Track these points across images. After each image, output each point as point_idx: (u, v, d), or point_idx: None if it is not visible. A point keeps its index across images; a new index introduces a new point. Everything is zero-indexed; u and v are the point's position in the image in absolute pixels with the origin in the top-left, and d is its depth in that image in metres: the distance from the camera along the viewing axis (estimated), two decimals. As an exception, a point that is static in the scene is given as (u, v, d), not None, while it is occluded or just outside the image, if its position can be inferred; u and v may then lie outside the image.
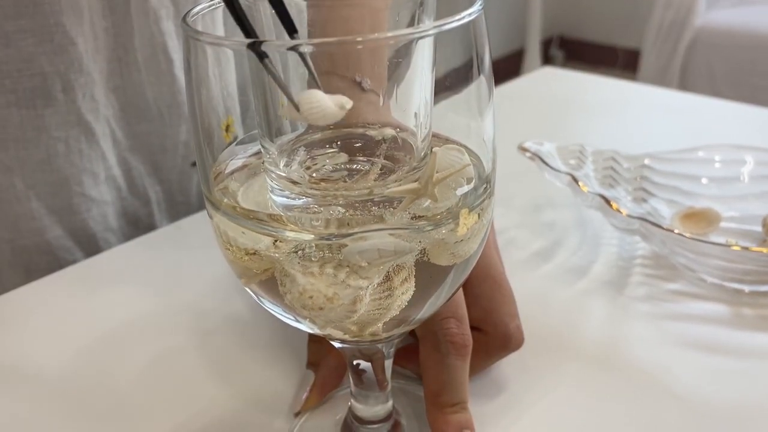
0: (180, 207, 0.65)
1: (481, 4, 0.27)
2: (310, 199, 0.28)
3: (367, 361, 0.34)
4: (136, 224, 0.62)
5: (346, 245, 0.27)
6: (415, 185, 0.28)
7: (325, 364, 0.41)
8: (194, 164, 0.64)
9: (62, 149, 0.55)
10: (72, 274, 0.54)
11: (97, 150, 0.57)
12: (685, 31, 2.36)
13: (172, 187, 0.64)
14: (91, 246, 0.59)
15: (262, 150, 0.30)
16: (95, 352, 0.45)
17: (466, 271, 0.31)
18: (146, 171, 0.62)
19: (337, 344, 0.33)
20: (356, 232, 0.27)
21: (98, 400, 0.42)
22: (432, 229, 0.28)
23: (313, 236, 0.27)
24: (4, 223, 0.55)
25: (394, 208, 0.28)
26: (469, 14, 0.26)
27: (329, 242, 0.27)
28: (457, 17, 0.26)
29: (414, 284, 0.28)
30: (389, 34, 0.25)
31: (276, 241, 0.27)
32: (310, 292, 0.27)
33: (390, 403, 0.37)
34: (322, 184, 0.29)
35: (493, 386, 0.41)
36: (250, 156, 0.32)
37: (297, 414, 0.40)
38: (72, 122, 0.55)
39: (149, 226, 0.63)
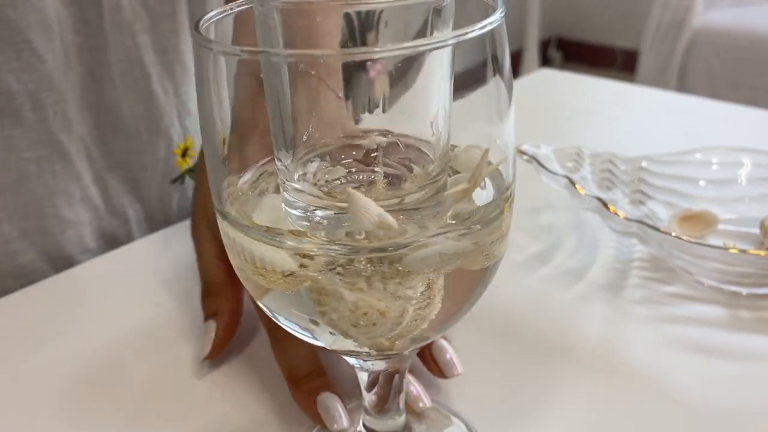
0: (160, 226, 0.63)
1: (502, 12, 0.26)
2: (330, 211, 0.28)
3: (384, 375, 0.34)
4: (115, 244, 0.61)
5: (407, 255, 0.26)
6: (466, 185, 0.28)
7: (223, 311, 0.43)
8: (174, 181, 0.63)
9: (34, 170, 0.53)
10: (47, 288, 0.53)
11: (72, 170, 0.56)
12: (684, 32, 2.36)
13: (151, 206, 0.63)
14: (67, 269, 0.57)
15: (276, 162, 0.29)
16: (82, 368, 0.45)
17: (493, 274, 0.31)
18: (124, 190, 0.61)
19: (352, 360, 0.33)
20: (415, 241, 0.26)
21: (94, 416, 0.41)
22: (483, 228, 0.28)
23: (369, 249, 0.26)
24: None
25: (427, 213, 0.27)
26: (491, 23, 0.26)
27: (387, 254, 0.26)
28: (479, 26, 0.25)
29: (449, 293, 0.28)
30: (408, 44, 0.24)
31: (312, 258, 0.27)
32: (363, 308, 0.26)
33: (403, 416, 0.36)
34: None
35: (489, 389, 0.41)
36: (256, 170, 0.32)
37: (205, 359, 0.42)
38: (43, 142, 0.53)
39: None
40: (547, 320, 0.47)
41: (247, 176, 0.31)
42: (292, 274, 0.27)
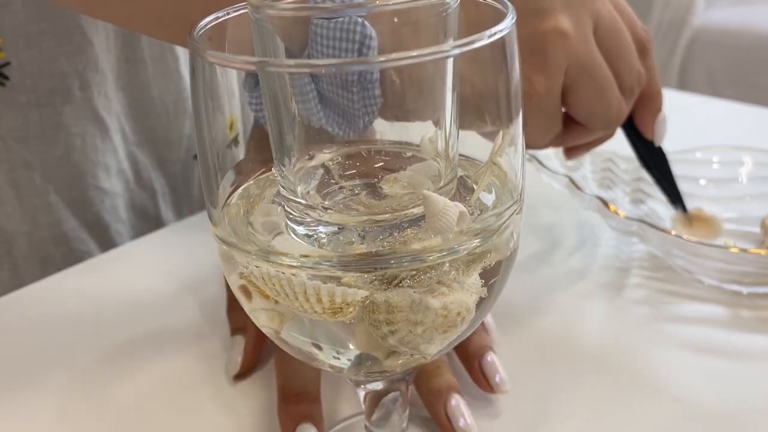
0: (183, 199, 0.67)
1: (512, 19, 0.26)
2: (333, 227, 0.27)
3: (392, 390, 0.33)
4: (144, 215, 0.65)
5: (495, 240, 0.27)
6: (487, 166, 0.28)
7: (250, 326, 0.42)
8: (196, 157, 0.66)
9: (79, 144, 0.57)
10: (88, 268, 0.54)
11: (110, 144, 0.60)
12: (684, 31, 2.36)
13: (176, 180, 0.67)
14: (104, 237, 0.61)
15: (276, 175, 0.29)
16: (109, 347, 0.45)
17: (510, 269, 0.30)
18: (152, 164, 0.64)
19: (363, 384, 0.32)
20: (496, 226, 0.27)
21: (114, 404, 0.41)
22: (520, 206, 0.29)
23: (461, 247, 0.26)
24: (23, 217, 0.57)
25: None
26: (500, 30, 0.25)
27: (482, 246, 0.27)
28: (487, 34, 0.24)
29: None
30: (413, 54, 0.23)
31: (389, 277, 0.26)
32: (455, 309, 0.25)
33: None
34: (374, 207, 0.28)
35: (490, 390, 0.41)
36: (244, 189, 0.31)
37: (235, 377, 0.41)
38: (88, 118, 0.57)
39: (155, 218, 0.65)
40: (548, 319, 0.47)
41: (234, 199, 0.30)
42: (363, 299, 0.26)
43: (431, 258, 0.26)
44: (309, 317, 0.26)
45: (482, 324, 0.43)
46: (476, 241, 0.26)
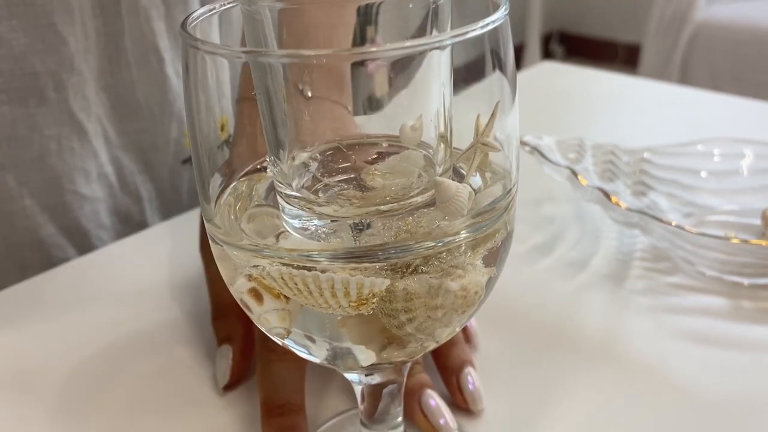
0: (171, 204, 0.65)
1: (506, 10, 0.26)
2: (327, 220, 0.27)
3: (376, 387, 0.33)
4: (128, 221, 0.63)
5: (505, 216, 0.28)
6: (475, 147, 0.28)
7: (237, 336, 0.42)
8: (185, 162, 0.64)
9: (54, 147, 0.55)
10: (67, 272, 0.53)
11: (89, 148, 0.57)
12: (686, 26, 2.36)
13: (163, 185, 0.64)
14: (83, 243, 0.59)
15: (270, 169, 0.29)
16: (92, 352, 0.45)
17: (510, 246, 0.30)
18: (137, 169, 0.62)
19: (352, 376, 0.32)
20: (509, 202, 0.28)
21: (96, 409, 0.42)
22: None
23: (467, 228, 0.27)
24: None
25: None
26: (493, 21, 0.25)
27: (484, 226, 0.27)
28: (480, 24, 0.24)
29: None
30: (407, 44, 0.23)
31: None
32: (473, 288, 0.26)
33: (401, 429, 0.36)
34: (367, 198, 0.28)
35: (491, 379, 0.41)
36: (236, 184, 0.31)
37: (225, 388, 0.41)
38: (64, 121, 0.55)
39: (141, 224, 0.63)
40: (549, 311, 0.47)
41: (226, 197, 0.30)
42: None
43: (449, 242, 0.26)
44: (330, 313, 0.26)
45: (465, 332, 0.43)
46: (490, 220, 0.27)
